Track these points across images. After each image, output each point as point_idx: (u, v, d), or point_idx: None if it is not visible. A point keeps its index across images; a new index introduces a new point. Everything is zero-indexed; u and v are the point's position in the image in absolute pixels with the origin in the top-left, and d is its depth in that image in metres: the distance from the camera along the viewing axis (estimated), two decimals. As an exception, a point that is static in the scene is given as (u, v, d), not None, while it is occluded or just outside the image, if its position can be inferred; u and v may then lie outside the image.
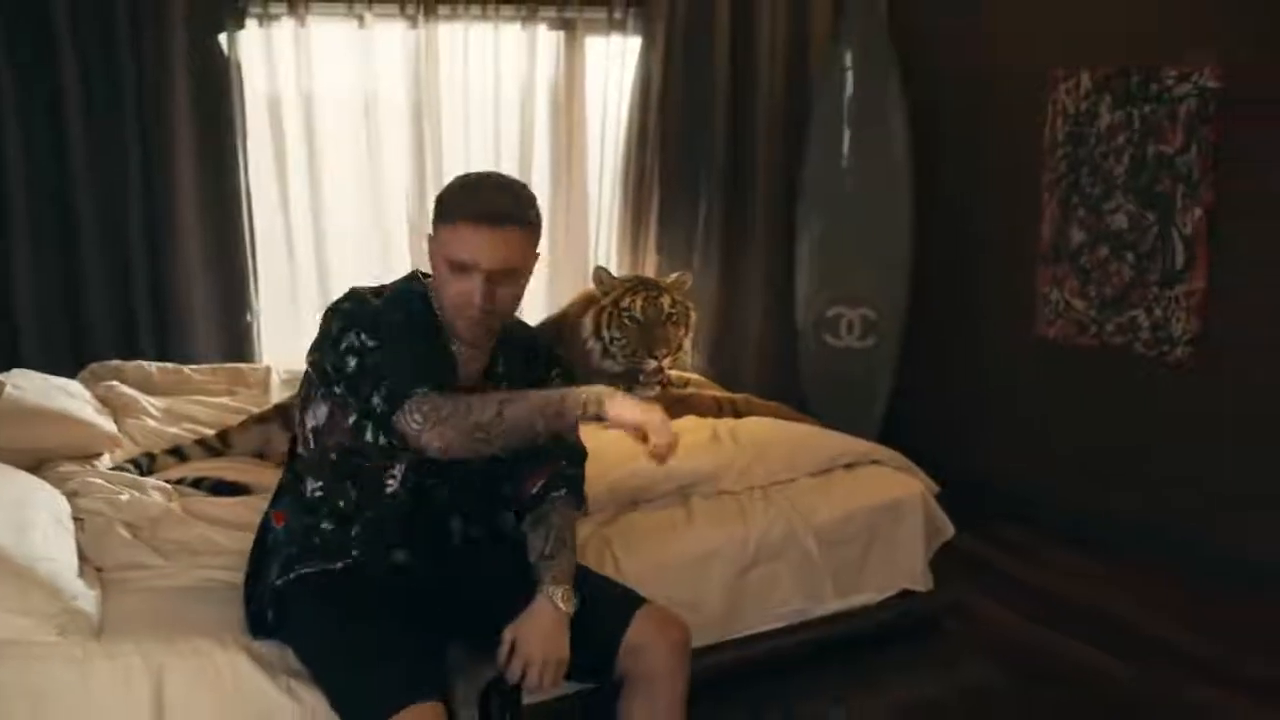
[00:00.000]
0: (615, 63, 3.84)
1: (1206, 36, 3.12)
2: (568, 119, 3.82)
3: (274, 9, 3.39)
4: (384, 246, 3.67)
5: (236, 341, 3.53)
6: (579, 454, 1.98)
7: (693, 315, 3.29)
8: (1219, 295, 3.14)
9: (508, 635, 1.75)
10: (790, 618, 2.57)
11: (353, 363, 1.70)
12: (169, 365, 3.18)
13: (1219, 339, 3.15)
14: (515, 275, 1.75)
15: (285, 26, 3.42)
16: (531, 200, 1.79)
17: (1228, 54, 3.06)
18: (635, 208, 3.87)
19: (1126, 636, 2.81)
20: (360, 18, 3.49)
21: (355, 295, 1.78)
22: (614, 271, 3.42)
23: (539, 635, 1.73)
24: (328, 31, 3.51)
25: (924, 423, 3.90)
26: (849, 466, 2.78)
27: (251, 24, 3.40)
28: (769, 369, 4.03)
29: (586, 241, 3.90)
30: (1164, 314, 3.27)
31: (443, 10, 3.55)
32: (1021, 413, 3.76)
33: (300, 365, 3.44)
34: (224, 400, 3.02)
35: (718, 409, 3.10)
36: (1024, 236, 3.66)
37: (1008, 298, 3.75)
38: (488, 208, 1.70)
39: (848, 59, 3.80)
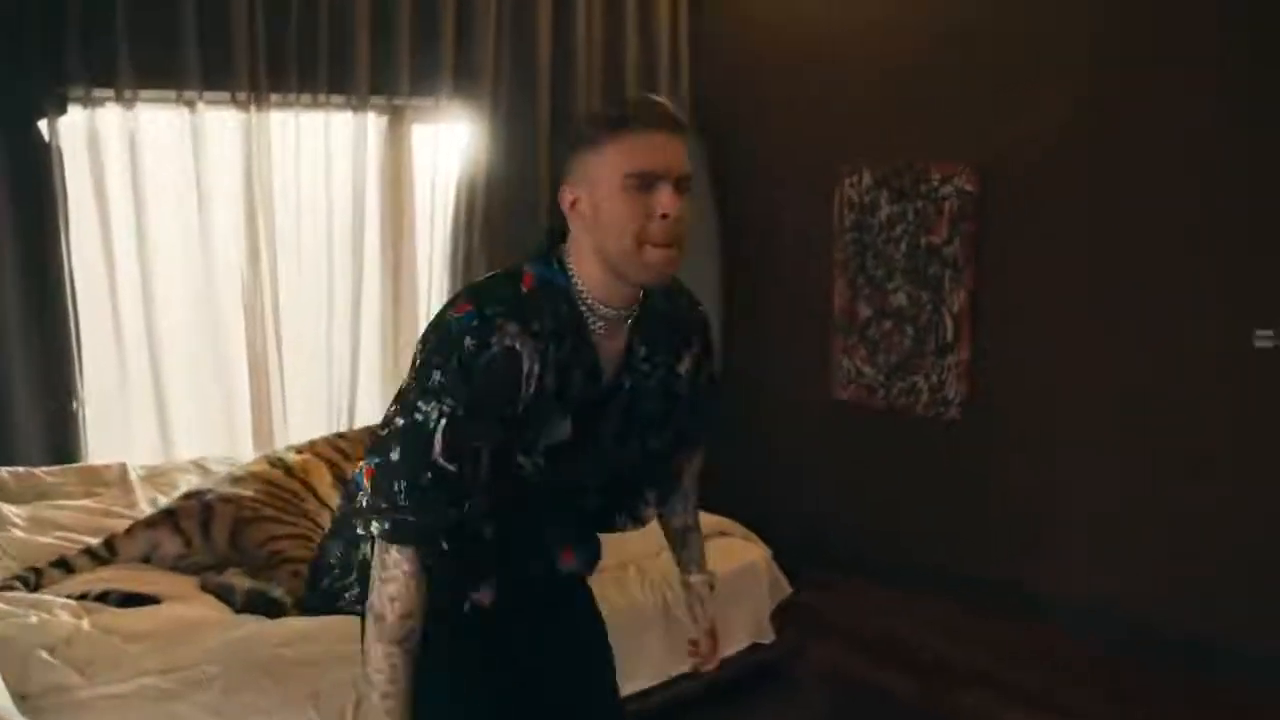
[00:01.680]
0: (442, 148, 4.01)
1: (964, 146, 3.70)
2: (397, 203, 3.95)
3: (99, 94, 3.33)
4: (215, 334, 3.64)
5: (60, 433, 3.40)
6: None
7: None
8: (982, 363, 3.72)
9: (705, 624, 1.95)
10: (658, 676, 2.84)
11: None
12: (19, 469, 3.05)
13: (984, 400, 3.72)
14: (689, 188, 1.57)
15: (112, 111, 3.37)
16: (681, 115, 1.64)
17: (981, 161, 3.65)
18: (466, 282, 4.04)
19: (926, 661, 3.28)
20: (191, 104, 3.48)
21: (497, 297, 1.54)
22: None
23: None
24: (157, 116, 3.48)
25: (729, 483, 4.29)
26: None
27: (76, 109, 3.32)
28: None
29: (417, 324, 4.02)
30: (939, 380, 3.82)
31: (274, 98, 3.60)
32: (822, 468, 4.22)
33: (144, 459, 3.39)
34: (85, 503, 2.94)
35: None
36: (819, 310, 4.15)
37: (806, 365, 4.21)
38: (674, 116, 1.56)
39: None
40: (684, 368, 1.73)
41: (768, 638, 3.07)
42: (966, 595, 3.65)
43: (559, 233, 1.62)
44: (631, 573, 2.88)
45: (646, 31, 4.37)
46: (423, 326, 3.95)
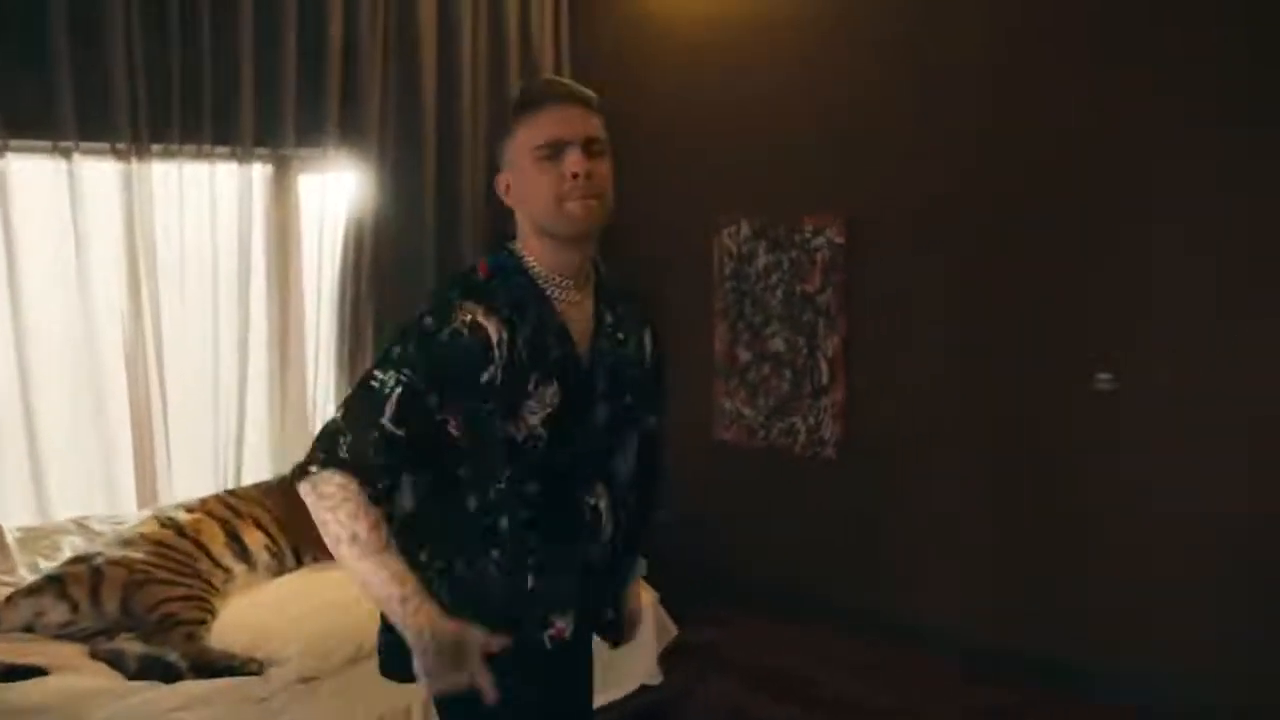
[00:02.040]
0: (330, 197, 4.03)
1: (834, 200, 3.92)
2: (284, 253, 3.95)
3: (-32, 144, 3.25)
4: (95, 387, 3.55)
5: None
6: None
7: None
8: (855, 405, 3.94)
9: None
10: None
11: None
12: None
13: (858, 440, 3.94)
14: (604, 149, 1.73)
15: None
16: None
17: (850, 215, 3.88)
18: (353, 336, 4.05)
19: (826, 696, 3.44)
20: (67, 154, 3.41)
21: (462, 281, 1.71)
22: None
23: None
24: (31, 167, 3.40)
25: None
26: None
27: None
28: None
29: (305, 370, 4.01)
30: (816, 421, 4.02)
31: (156, 149, 3.56)
32: (708, 508, 4.37)
33: (19, 519, 3.29)
34: (-42, 570, 2.84)
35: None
36: (701, 354, 4.31)
37: (691, 407, 4.37)
38: (570, 88, 1.73)
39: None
40: (648, 341, 1.91)
41: (656, 679, 3.18)
42: (857, 628, 3.83)
43: (506, 234, 1.79)
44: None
45: (531, 84, 4.48)
46: (311, 377, 4.02)
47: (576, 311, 1.74)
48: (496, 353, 1.61)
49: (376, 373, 1.60)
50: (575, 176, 1.65)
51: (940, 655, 3.61)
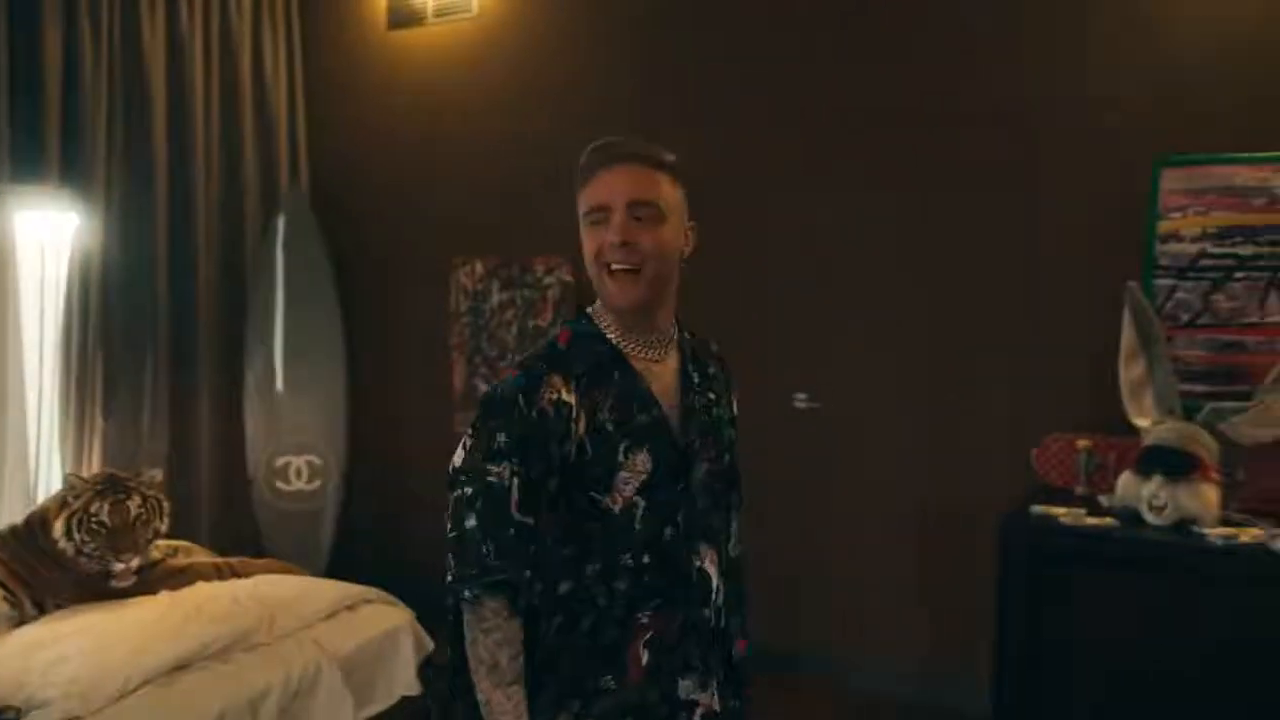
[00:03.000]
0: (52, 237, 3.90)
1: (561, 242, 4.30)
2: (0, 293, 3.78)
3: None
4: None
5: None
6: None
7: (165, 505, 3.42)
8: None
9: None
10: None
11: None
12: None
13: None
14: (657, 214, 1.62)
15: None
16: (664, 150, 1.69)
17: (576, 255, 4.25)
18: (80, 376, 3.93)
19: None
20: None
21: (531, 363, 1.63)
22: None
23: None
24: None
25: (366, 551, 4.54)
26: (350, 607, 3.34)
27: None
28: (225, 515, 4.34)
29: (25, 421, 3.84)
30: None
31: None
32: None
33: None
34: None
35: (219, 573, 3.43)
36: (440, 387, 4.53)
37: (431, 438, 4.56)
38: (621, 149, 1.64)
39: (279, 231, 4.38)
40: (734, 400, 1.85)
41: (415, 690, 3.37)
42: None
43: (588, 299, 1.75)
44: (290, 643, 3.05)
45: (263, 128, 4.56)
46: (34, 429, 3.84)
47: (661, 371, 1.69)
48: (581, 424, 1.58)
49: (490, 466, 1.56)
50: (614, 242, 1.59)
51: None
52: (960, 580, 3.60)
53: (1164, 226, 3.22)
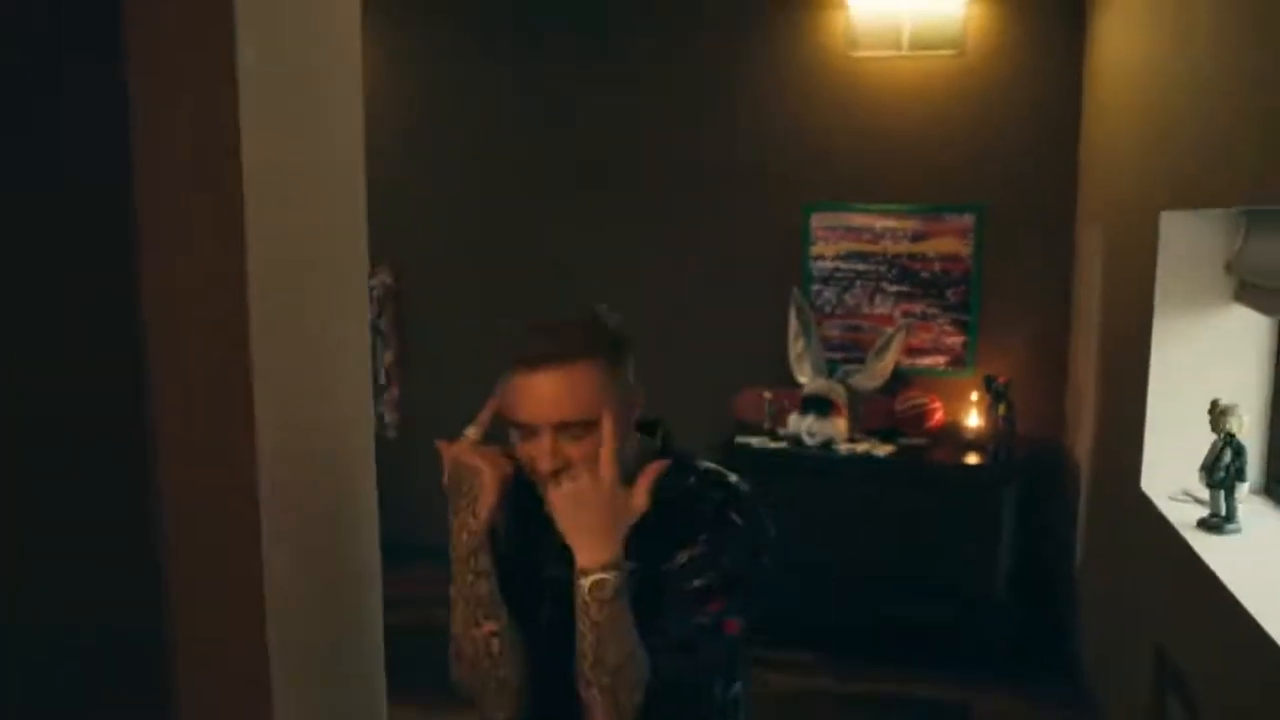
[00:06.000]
0: None
1: (384, 249, 5.48)
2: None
3: None
4: None
5: None
6: None
7: None
8: (410, 400, 5.56)
9: None
10: None
11: None
12: None
13: (410, 424, 5.55)
14: (587, 426, 1.41)
15: None
16: (588, 325, 1.47)
17: (396, 262, 5.47)
18: None
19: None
20: None
21: None
22: None
23: None
24: None
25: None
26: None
27: None
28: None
29: None
30: (379, 411, 5.57)
31: None
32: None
33: None
34: None
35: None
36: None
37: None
38: (546, 347, 1.42)
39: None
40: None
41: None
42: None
43: None
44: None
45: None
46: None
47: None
48: None
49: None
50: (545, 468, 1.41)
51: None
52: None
53: (813, 250, 4.93)
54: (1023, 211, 4.74)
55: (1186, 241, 3.11)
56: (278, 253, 1.79)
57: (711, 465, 1.61)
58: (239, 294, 1.61)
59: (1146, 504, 3.16)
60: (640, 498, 1.43)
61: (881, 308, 4.89)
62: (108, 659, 1.73)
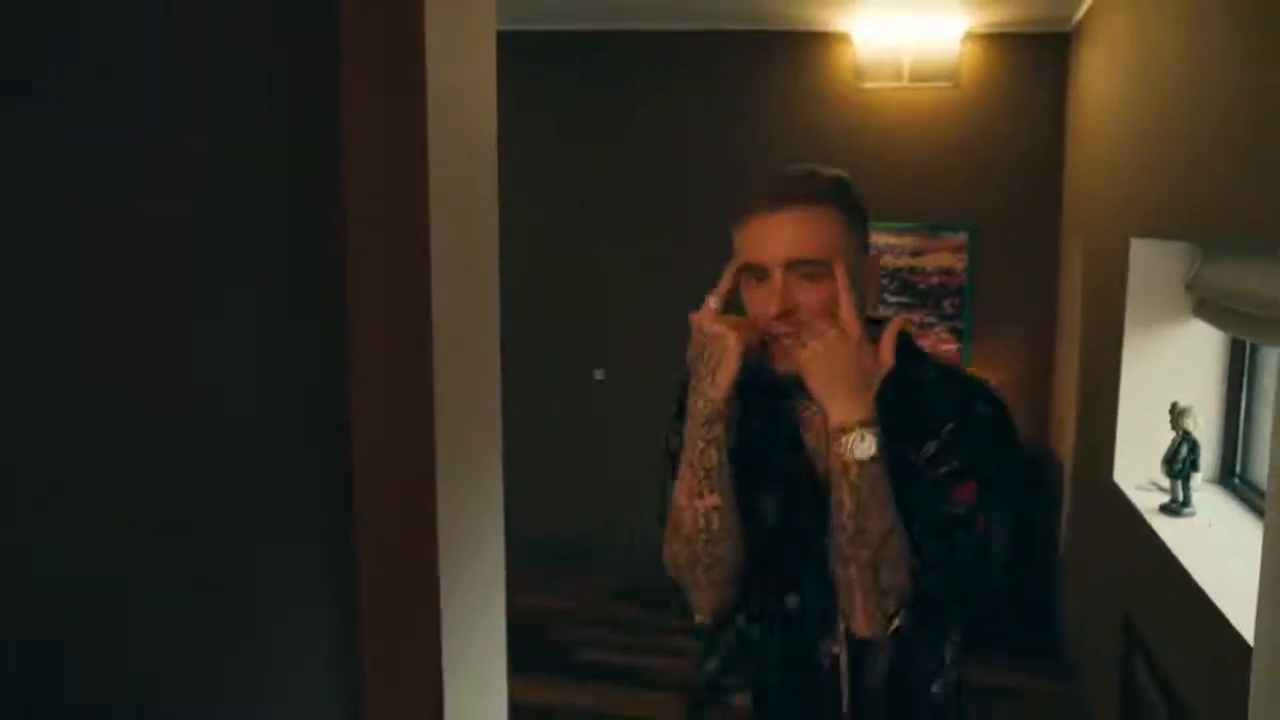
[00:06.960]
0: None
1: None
2: None
3: None
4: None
5: None
6: None
7: None
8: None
9: None
10: None
11: None
12: None
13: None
14: (823, 274, 1.37)
15: None
16: (832, 178, 1.43)
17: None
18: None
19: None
20: None
21: None
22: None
23: None
24: None
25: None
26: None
27: None
28: None
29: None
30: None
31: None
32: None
33: None
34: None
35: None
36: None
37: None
38: (783, 186, 1.41)
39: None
40: None
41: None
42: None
43: None
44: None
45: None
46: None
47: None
48: None
49: None
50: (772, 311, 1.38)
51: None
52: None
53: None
54: (1012, 230, 5.20)
55: (1153, 264, 3.55)
56: (450, 251, 1.57)
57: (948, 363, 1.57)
58: (424, 294, 1.41)
59: (1118, 493, 3.61)
60: (887, 354, 1.39)
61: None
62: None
